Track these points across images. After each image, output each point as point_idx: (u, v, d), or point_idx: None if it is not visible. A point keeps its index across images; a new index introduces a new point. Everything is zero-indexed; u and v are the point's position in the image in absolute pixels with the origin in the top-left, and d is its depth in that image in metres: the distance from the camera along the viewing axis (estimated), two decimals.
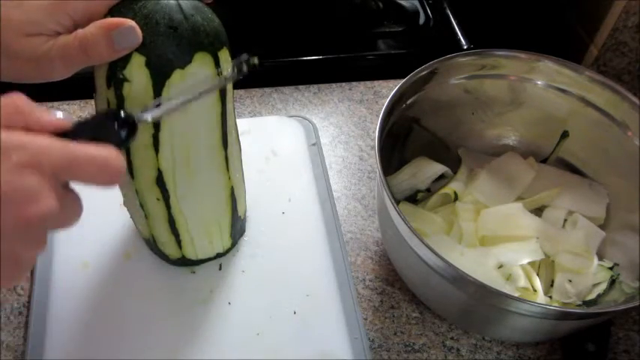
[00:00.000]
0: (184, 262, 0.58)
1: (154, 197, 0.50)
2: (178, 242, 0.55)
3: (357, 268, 0.62)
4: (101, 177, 0.34)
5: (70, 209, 0.36)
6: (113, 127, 0.36)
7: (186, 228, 0.54)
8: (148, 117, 0.38)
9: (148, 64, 0.42)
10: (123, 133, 0.36)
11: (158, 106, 0.39)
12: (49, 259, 0.59)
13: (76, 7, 0.40)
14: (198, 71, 0.44)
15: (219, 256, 0.59)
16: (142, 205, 0.51)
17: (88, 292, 0.57)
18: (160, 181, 0.48)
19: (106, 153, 0.34)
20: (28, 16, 0.40)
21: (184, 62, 0.43)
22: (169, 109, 0.40)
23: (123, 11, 0.42)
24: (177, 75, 0.43)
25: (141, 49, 0.42)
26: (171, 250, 0.56)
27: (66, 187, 0.35)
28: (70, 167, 0.33)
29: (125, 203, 0.55)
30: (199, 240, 0.56)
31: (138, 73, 0.42)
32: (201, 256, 0.58)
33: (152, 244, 0.57)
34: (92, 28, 0.40)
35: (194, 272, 0.59)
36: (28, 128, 0.33)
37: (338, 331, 0.56)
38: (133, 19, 0.41)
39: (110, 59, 0.41)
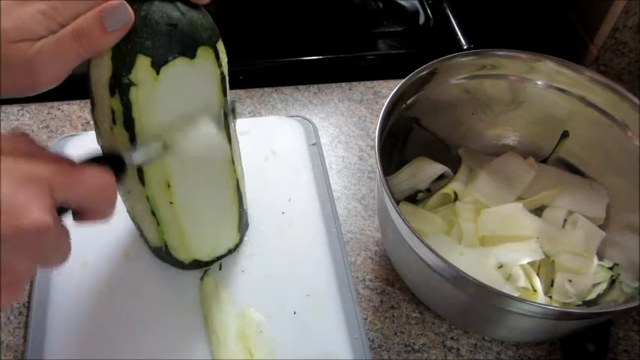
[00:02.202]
0: (198, 264, 0.58)
1: (166, 201, 0.50)
2: (191, 245, 0.55)
3: (357, 268, 0.62)
4: (96, 191, 0.38)
5: (61, 239, 0.37)
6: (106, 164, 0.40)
7: (198, 228, 0.54)
8: (133, 161, 0.43)
9: (153, 65, 0.42)
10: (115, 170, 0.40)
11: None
12: None
13: (65, 14, 0.40)
14: (202, 65, 0.44)
15: (229, 252, 0.59)
16: (153, 213, 0.51)
17: (88, 291, 0.57)
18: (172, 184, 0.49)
19: (99, 170, 0.38)
20: (17, 24, 0.39)
21: (189, 58, 0.43)
22: (153, 154, 0.44)
23: None
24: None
25: (144, 50, 0.42)
26: (184, 255, 0.56)
27: (59, 218, 0.37)
28: (66, 179, 0.36)
29: (133, 216, 0.55)
30: (211, 239, 0.56)
31: (144, 75, 0.42)
32: (213, 256, 0.58)
33: (163, 253, 0.56)
34: (83, 17, 0.40)
35: (194, 271, 0.59)
36: (32, 154, 0.36)
37: (338, 331, 0.55)
38: None
39: (104, 45, 0.41)
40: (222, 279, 0.58)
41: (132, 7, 0.41)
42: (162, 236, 0.54)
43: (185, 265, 0.57)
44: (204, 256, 0.57)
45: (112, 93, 0.43)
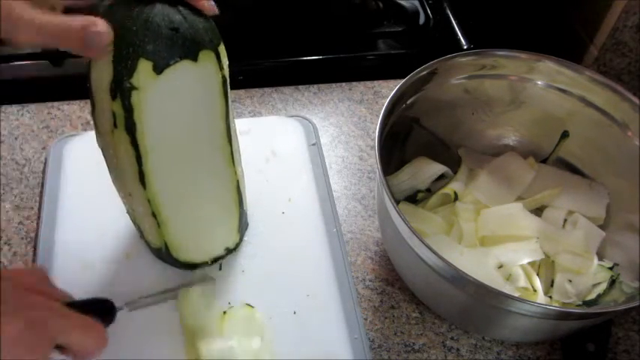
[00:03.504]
0: (198, 264, 0.58)
1: (167, 204, 0.50)
2: (191, 246, 0.55)
3: (357, 268, 0.62)
4: (90, 343, 0.43)
5: None
6: (100, 310, 0.46)
7: (198, 228, 0.54)
8: (127, 308, 0.50)
9: (155, 69, 0.42)
10: (107, 316, 0.47)
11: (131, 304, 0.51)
12: (49, 259, 0.59)
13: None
14: (204, 69, 0.44)
15: (229, 252, 0.59)
16: (154, 215, 0.51)
17: (88, 291, 0.57)
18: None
19: (97, 325, 0.44)
20: None
21: (191, 62, 0.43)
22: (147, 303, 0.52)
23: (120, 19, 0.41)
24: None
25: (146, 54, 0.41)
26: (185, 255, 0.56)
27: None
28: (68, 330, 0.41)
29: (133, 218, 0.55)
30: (211, 240, 0.56)
31: (146, 79, 0.42)
32: (213, 256, 0.58)
33: (164, 253, 0.56)
34: (69, 23, 0.40)
35: (194, 272, 0.59)
36: (42, 292, 0.42)
37: (338, 331, 0.55)
38: (132, 25, 0.41)
39: (85, 55, 0.41)
40: (222, 279, 0.58)
41: (134, 9, 0.41)
42: (162, 237, 0.54)
43: (185, 265, 0.57)
44: (205, 257, 0.57)
45: (114, 97, 0.43)
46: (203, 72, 0.44)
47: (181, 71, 0.43)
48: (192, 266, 0.58)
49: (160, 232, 0.53)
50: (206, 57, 0.44)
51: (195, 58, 0.43)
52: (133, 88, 0.42)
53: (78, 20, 0.40)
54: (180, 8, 0.43)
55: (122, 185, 0.51)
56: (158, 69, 0.42)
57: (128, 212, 0.55)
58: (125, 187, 0.50)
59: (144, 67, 0.42)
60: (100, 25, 0.40)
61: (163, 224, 0.52)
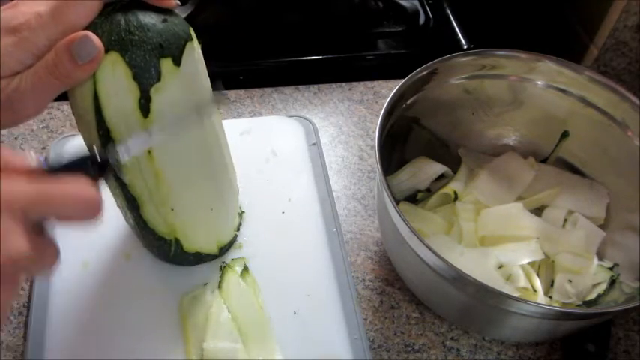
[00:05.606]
0: (203, 257, 0.58)
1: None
2: (230, 225, 0.58)
3: (357, 268, 0.62)
4: (78, 208, 0.34)
5: (45, 254, 0.35)
6: (87, 169, 0.37)
7: (233, 207, 0.56)
8: (124, 157, 0.39)
9: (174, 61, 0.42)
10: (96, 174, 0.37)
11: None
12: None
13: (38, 44, 0.38)
14: (196, 48, 0.44)
15: (233, 240, 0.61)
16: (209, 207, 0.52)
17: (88, 292, 0.57)
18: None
19: (80, 184, 0.34)
20: None
21: (190, 41, 0.43)
22: (142, 149, 0.41)
23: (118, 39, 0.41)
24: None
25: (162, 52, 0.41)
26: (226, 239, 0.58)
27: (40, 231, 0.35)
28: (42, 202, 0.33)
29: (167, 232, 0.53)
30: (235, 216, 0.59)
31: (170, 77, 0.42)
32: (225, 240, 0.59)
33: (172, 244, 0.54)
34: (54, 50, 0.38)
35: (194, 272, 0.59)
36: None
37: (338, 331, 0.55)
38: (131, 36, 0.40)
39: (79, 77, 0.39)
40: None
41: (119, 22, 0.40)
42: (215, 227, 0.55)
43: (190, 261, 0.57)
44: (227, 237, 0.59)
45: (146, 113, 0.42)
46: (196, 50, 0.45)
47: (189, 51, 0.43)
48: (197, 261, 0.58)
49: (214, 223, 0.54)
50: (193, 35, 0.44)
51: (191, 38, 0.43)
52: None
53: (59, 46, 0.38)
54: (155, 15, 0.42)
55: (164, 204, 0.49)
56: (176, 60, 0.42)
57: (151, 235, 0.53)
58: (168, 202, 0.49)
59: (166, 65, 0.41)
60: (82, 33, 0.38)
61: (218, 212, 0.53)
